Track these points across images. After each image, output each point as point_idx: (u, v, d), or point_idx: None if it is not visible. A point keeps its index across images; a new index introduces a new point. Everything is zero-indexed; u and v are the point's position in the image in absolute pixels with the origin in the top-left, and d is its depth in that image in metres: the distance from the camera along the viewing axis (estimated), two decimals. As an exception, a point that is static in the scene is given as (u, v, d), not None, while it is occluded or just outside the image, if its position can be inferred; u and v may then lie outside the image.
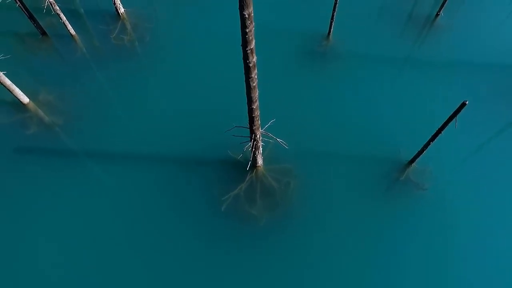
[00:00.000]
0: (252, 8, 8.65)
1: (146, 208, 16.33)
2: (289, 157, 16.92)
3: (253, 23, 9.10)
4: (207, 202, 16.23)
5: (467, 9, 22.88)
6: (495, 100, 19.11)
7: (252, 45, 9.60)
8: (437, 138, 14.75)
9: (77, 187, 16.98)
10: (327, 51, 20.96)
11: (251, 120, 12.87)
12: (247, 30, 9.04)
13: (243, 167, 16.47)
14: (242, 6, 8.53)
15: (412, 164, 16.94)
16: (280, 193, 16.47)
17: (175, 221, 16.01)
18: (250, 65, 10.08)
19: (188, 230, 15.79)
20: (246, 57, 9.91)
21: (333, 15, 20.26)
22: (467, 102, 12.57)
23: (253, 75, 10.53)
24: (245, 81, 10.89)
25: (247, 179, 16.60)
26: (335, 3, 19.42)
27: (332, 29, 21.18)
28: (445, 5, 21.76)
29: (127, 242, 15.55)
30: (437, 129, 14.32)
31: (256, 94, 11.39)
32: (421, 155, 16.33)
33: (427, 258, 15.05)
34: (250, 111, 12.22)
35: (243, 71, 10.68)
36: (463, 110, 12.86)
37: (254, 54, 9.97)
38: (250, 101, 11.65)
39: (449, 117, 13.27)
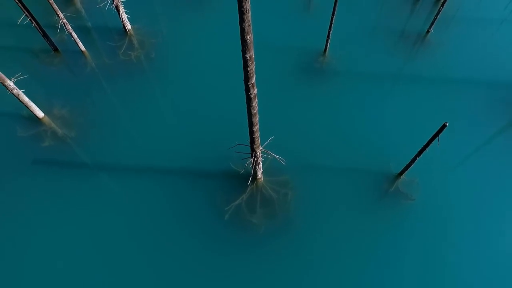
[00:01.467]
0: (253, 51, 10.06)
1: (154, 217, 17.77)
2: (286, 170, 18.34)
3: (254, 63, 10.51)
4: (212, 212, 17.68)
5: (456, 25, 24.23)
6: (480, 115, 20.49)
7: (253, 80, 11.02)
8: (423, 153, 16.18)
9: (88, 196, 18.43)
10: (324, 67, 22.36)
11: (252, 140, 14.29)
12: (248, 69, 10.45)
13: (244, 179, 17.92)
14: (244, 50, 9.95)
15: (401, 176, 18.37)
16: (279, 203, 17.91)
17: (182, 228, 17.45)
18: (251, 96, 11.51)
19: (194, 237, 17.23)
20: (247, 90, 11.33)
21: (329, 33, 21.64)
22: (447, 124, 13.97)
23: (254, 104, 11.95)
24: (247, 108, 12.31)
25: (248, 190, 18.03)
26: (331, 22, 20.80)
27: (328, 46, 22.56)
28: (435, 22, 23.13)
29: (136, 249, 16.99)
30: (425, 143, 15.72)
31: (256, 119, 12.82)
32: (409, 168, 17.76)
33: (415, 262, 16.48)
34: (251, 132, 13.64)
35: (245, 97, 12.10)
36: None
37: (255, 87, 11.39)
38: (251, 125, 13.08)
39: (432, 137, 14.68)
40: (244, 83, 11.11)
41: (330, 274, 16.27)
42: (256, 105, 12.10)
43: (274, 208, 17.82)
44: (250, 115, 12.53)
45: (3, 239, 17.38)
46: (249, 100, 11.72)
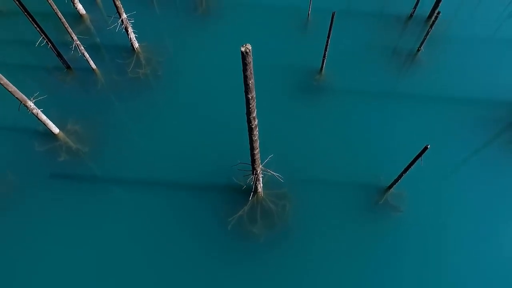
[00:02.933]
0: (254, 91, 11.75)
1: (163, 226, 19.51)
2: (285, 184, 20.04)
3: (255, 100, 12.21)
4: (216, 222, 19.42)
5: (445, 44, 25.87)
6: (466, 131, 22.17)
7: (254, 114, 12.72)
8: (409, 170, 17.88)
9: (100, 208, 20.16)
10: (320, 85, 24.05)
11: (253, 160, 16.01)
12: (250, 106, 12.15)
13: (246, 192, 19.65)
14: (246, 91, 11.64)
15: (390, 189, 20.07)
16: (277, 215, 19.64)
17: (188, 237, 19.19)
18: (253, 126, 13.21)
19: (200, 245, 18.96)
20: (249, 121, 13.03)
21: (325, 52, 23.31)
22: (428, 146, 15.68)
23: (255, 133, 13.65)
24: (248, 136, 14.01)
25: (249, 202, 19.75)
26: (327, 41, 22.45)
27: (324, 65, 24.23)
28: (425, 41, 24.76)
29: (146, 256, 18.72)
30: (414, 157, 17.35)
31: (257, 144, 14.52)
32: (397, 182, 19.45)
33: (403, 269, 18.21)
34: (252, 154, 15.36)
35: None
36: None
37: (256, 119, 13.08)
38: (252, 148, 14.78)
39: (415, 157, 16.40)
40: (246, 116, 12.81)
41: (325, 280, 18.00)
42: (257, 133, 13.81)
43: (273, 219, 19.55)
44: (251, 141, 14.23)
45: (20, 248, 19.11)
46: (250, 130, 13.43)
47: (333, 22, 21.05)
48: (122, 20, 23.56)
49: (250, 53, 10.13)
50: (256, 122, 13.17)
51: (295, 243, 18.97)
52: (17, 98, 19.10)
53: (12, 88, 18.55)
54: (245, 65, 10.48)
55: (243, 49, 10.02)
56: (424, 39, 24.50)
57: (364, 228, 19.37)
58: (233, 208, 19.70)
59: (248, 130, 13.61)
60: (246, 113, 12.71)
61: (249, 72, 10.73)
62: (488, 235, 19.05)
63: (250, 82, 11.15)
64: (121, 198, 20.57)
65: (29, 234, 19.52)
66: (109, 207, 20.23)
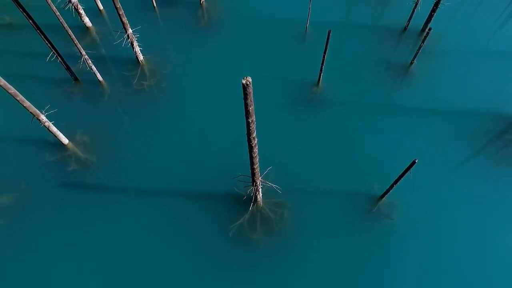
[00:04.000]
0: (254, 116, 13.05)
1: (166, 234, 20.82)
2: (283, 193, 21.35)
3: (255, 123, 13.50)
4: (219, 229, 20.75)
5: (438, 57, 27.17)
6: (456, 141, 23.47)
7: (254, 134, 14.02)
8: (399, 181, 19.18)
9: (107, 215, 21.48)
10: (317, 97, 25.34)
11: (253, 173, 17.31)
12: (250, 128, 13.44)
13: (246, 201, 20.96)
14: (247, 116, 12.93)
15: (383, 198, 21.37)
16: (276, 222, 20.97)
17: (192, 243, 20.52)
18: (253, 145, 14.51)
19: (203, 251, 20.29)
20: (249, 141, 14.33)
21: (322, 66, 24.59)
22: (416, 161, 16.97)
23: (254, 150, 14.95)
24: (248, 152, 15.31)
25: (249, 211, 21.07)
26: (324, 54, 23.72)
27: (321, 77, 25.52)
28: (418, 54, 26.03)
29: (150, 263, 20.05)
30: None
31: (257, 159, 15.82)
32: (389, 192, 20.75)
33: (395, 272, 19.54)
34: (252, 168, 16.66)
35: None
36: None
37: (255, 138, 14.37)
38: (252, 163, 16.09)
39: (404, 171, 17.70)
40: (247, 136, 14.11)
41: (321, 284, 19.32)
42: (257, 150, 15.11)
43: (272, 226, 20.87)
44: (251, 157, 15.54)
45: (32, 253, 20.42)
46: (250, 148, 14.73)
47: (330, 36, 22.30)
48: (128, 35, 24.84)
49: (251, 85, 11.42)
50: (255, 141, 14.47)
51: (293, 249, 20.29)
52: (31, 112, 20.41)
53: (26, 103, 19.85)
54: (245, 94, 11.78)
55: (244, 81, 11.31)
56: (417, 52, 25.78)
57: (358, 234, 20.69)
58: (234, 216, 21.02)
59: (249, 148, 14.92)
60: (247, 134, 14.01)
61: (249, 100, 12.03)
62: (476, 241, 20.37)
63: (250, 108, 12.44)
64: (128, 205, 21.88)
65: (40, 240, 20.83)
66: (115, 214, 21.55)
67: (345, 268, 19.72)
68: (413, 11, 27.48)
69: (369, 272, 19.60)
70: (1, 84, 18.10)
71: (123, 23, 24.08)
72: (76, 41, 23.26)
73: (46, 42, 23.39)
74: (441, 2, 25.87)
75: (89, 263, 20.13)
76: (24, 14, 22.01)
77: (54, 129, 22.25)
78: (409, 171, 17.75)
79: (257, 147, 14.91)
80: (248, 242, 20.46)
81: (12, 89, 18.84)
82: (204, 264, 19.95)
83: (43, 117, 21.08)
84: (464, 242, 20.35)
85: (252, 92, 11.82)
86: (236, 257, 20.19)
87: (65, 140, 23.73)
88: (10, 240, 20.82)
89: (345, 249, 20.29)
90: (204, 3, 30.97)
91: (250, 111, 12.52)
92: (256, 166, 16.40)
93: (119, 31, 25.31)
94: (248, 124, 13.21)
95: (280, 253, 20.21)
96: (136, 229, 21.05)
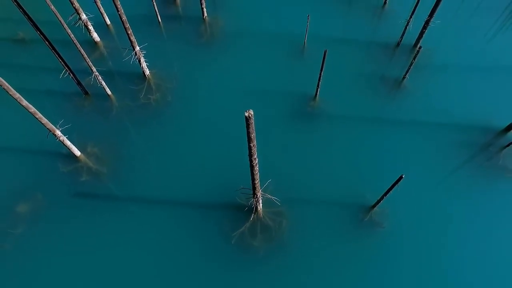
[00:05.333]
0: (255, 141, 14.81)
1: (173, 241, 22.64)
2: (281, 203, 23.14)
3: (256, 147, 15.26)
4: (221, 237, 22.58)
5: (429, 71, 28.92)
6: (443, 154, 25.24)
7: (255, 156, 15.79)
8: (389, 193, 20.98)
9: (116, 223, 23.29)
10: (314, 111, 27.10)
11: (253, 187, 19.11)
12: (251, 151, 15.21)
13: (247, 211, 22.77)
14: (248, 141, 14.70)
15: (374, 208, 23.18)
16: (275, 230, 22.78)
17: (197, 250, 22.34)
18: (254, 164, 16.28)
19: (208, 257, 22.11)
20: (251, 161, 16.10)
21: (319, 82, 26.33)
22: (403, 176, 18.75)
23: (255, 168, 16.73)
24: (250, 170, 17.08)
25: (250, 219, 22.87)
26: (321, 70, 25.43)
27: (318, 92, 27.27)
28: (410, 69, 27.76)
29: (157, 268, 21.88)
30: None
31: (257, 176, 17.60)
32: (380, 202, 22.54)
33: (385, 276, 21.37)
34: (253, 183, 18.45)
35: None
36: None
37: (256, 159, 16.14)
38: (253, 179, 17.87)
39: (392, 184, 19.50)
40: (249, 157, 15.89)
41: (317, 285, 21.16)
42: (257, 168, 16.89)
43: (271, 234, 22.70)
44: (252, 174, 17.33)
45: (46, 259, 22.25)
46: (251, 167, 16.51)
47: (325, 58, 24.05)
48: (136, 52, 26.58)
49: (252, 118, 13.19)
50: (256, 161, 16.26)
51: (291, 254, 22.11)
52: (48, 129, 22.19)
53: (44, 120, 21.63)
54: (248, 125, 13.55)
55: (246, 114, 13.09)
56: (409, 68, 27.51)
57: (352, 241, 22.52)
58: (236, 225, 22.84)
59: (250, 167, 16.70)
60: (249, 155, 15.79)
61: (251, 129, 13.80)
62: (461, 246, 22.17)
63: (252, 135, 14.22)
64: (135, 213, 23.69)
65: (54, 245, 22.66)
66: (124, 222, 23.36)
67: (340, 271, 21.57)
68: (405, 28, 29.21)
69: (362, 276, 21.43)
70: (16, 97, 19.67)
71: (131, 41, 25.81)
72: (87, 60, 25.01)
73: (59, 59, 25.12)
74: (432, 20, 27.63)
75: (97, 268, 21.92)
76: (36, 29, 23.56)
77: (68, 142, 24.04)
78: (397, 185, 19.55)
79: (257, 166, 16.69)
80: (249, 249, 22.28)
81: (24, 101, 20.21)
82: (208, 269, 21.78)
83: (58, 132, 22.86)
84: (451, 247, 22.16)
85: (253, 123, 13.58)
86: (238, 262, 22.01)
87: (77, 152, 25.51)
88: (26, 246, 22.62)
89: (339, 254, 22.11)
90: (206, 18, 32.69)
91: (252, 137, 14.30)
92: (257, 181, 18.19)
93: (127, 48, 27.05)
94: (250, 148, 14.99)
95: (279, 258, 22.03)
96: (143, 236, 22.85)
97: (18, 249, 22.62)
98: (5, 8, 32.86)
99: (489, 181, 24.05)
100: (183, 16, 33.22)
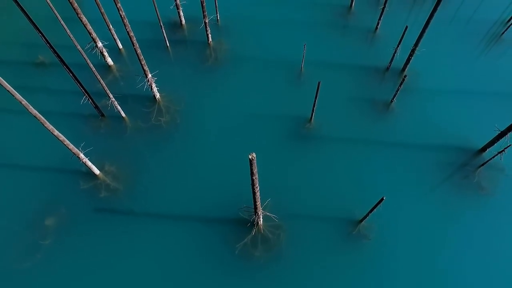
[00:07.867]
0: (257, 173, 18.20)
1: (183, 252, 26.13)
2: (280, 218, 26.61)
3: (257, 176, 18.67)
4: (226, 248, 26.11)
5: (415, 95, 32.32)
6: (425, 172, 28.69)
7: (257, 184, 19.19)
8: (375, 209, 24.44)
9: (132, 235, 26.75)
10: (310, 133, 30.51)
11: (255, 206, 22.57)
12: (254, 181, 18.62)
13: (249, 225, 26.24)
14: (251, 174, 18.09)
15: (362, 222, 26.66)
16: (274, 241, 26.28)
17: (204, 260, 25.85)
18: (255, 191, 19.71)
19: (214, 266, 25.62)
20: (253, 189, 19.52)
21: (313, 107, 29.69)
22: (384, 198, 22.20)
23: (257, 194, 20.15)
24: (252, 193, 20.51)
25: (252, 232, 26.36)
26: (316, 94, 28.77)
27: (313, 114, 30.64)
28: (397, 94, 31.12)
29: (168, 277, 25.37)
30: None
31: (258, 198, 21.03)
32: (366, 217, 26.00)
33: (370, 283, 24.89)
34: (255, 204, 21.91)
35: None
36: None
37: (258, 187, 19.55)
38: (254, 201, 21.32)
39: (375, 205, 22.94)
40: (251, 186, 19.31)
41: (310, 292, 24.80)
42: (258, 194, 20.32)
43: (270, 245, 26.22)
44: (254, 196, 20.77)
45: (69, 269, 25.74)
46: (254, 193, 19.94)
47: (319, 88, 27.42)
48: (148, 79, 29.92)
49: (255, 159, 16.58)
50: (258, 189, 19.68)
51: (288, 263, 25.67)
52: (73, 153, 25.59)
53: (70, 146, 25.01)
54: (251, 164, 16.96)
55: (250, 156, 16.48)
56: (396, 92, 30.87)
57: (341, 251, 26.10)
58: (240, 237, 26.36)
59: (252, 192, 20.14)
60: (251, 184, 19.21)
61: (253, 167, 17.21)
62: (440, 255, 25.68)
63: (254, 171, 17.62)
64: (149, 227, 27.18)
65: (76, 257, 26.13)
66: (137, 234, 26.84)
67: (331, 277, 25.16)
68: (393, 56, 32.56)
69: (351, 280, 24.95)
70: (42, 121, 22.80)
71: (144, 70, 29.16)
72: (103, 84, 28.36)
73: (77, 83, 28.40)
74: (417, 49, 30.96)
75: (112, 274, 25.41)
76: (55, 54, 26.49)
77: (89, 163, 27.46)
78: (379, 205, 23.00)
79: (259, 192, 20.13)
80: (251, 258, 25.80)
81: (49, 125, 23.39)
82: (215, 275, 25.32)
83: (82, 156, 26.28)
84: (430, 256, 25.68)
85: (256, 163, 16.98)
86: (241, 269, 25.55)
87: (96, 171, 28.94)
88: (51, 258, 26.04)
89: (330, 262, 25.69)
90: (211, 42, 35.98)
91: (254, 172, 17.72)
92: (258, 203, 21.65)
93: (140, 76, 30.38)
94: (252, 180, 18.42)
95: (278, 266, 25.59)
96: (156, 247, 26.35)
97: (44, 260, 25.99)
98: (27, 33, 36.11)
99: (463, 198, 27.54)
100: (189, 40, 36.53)
